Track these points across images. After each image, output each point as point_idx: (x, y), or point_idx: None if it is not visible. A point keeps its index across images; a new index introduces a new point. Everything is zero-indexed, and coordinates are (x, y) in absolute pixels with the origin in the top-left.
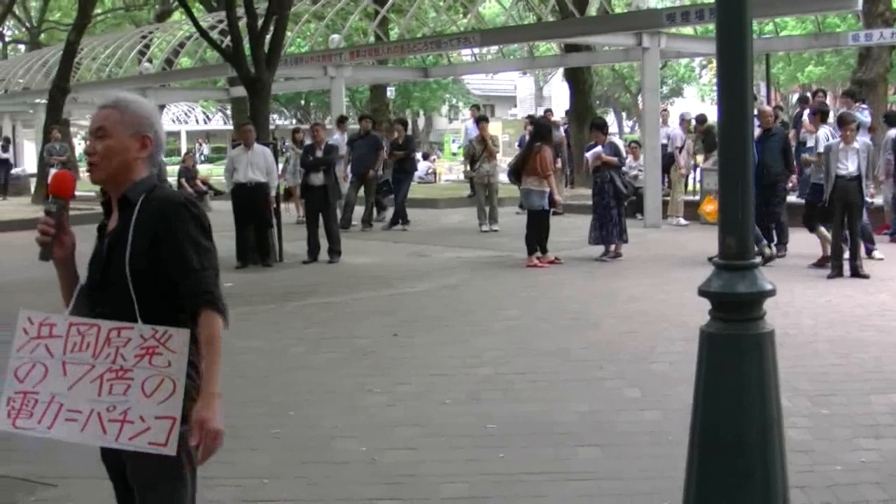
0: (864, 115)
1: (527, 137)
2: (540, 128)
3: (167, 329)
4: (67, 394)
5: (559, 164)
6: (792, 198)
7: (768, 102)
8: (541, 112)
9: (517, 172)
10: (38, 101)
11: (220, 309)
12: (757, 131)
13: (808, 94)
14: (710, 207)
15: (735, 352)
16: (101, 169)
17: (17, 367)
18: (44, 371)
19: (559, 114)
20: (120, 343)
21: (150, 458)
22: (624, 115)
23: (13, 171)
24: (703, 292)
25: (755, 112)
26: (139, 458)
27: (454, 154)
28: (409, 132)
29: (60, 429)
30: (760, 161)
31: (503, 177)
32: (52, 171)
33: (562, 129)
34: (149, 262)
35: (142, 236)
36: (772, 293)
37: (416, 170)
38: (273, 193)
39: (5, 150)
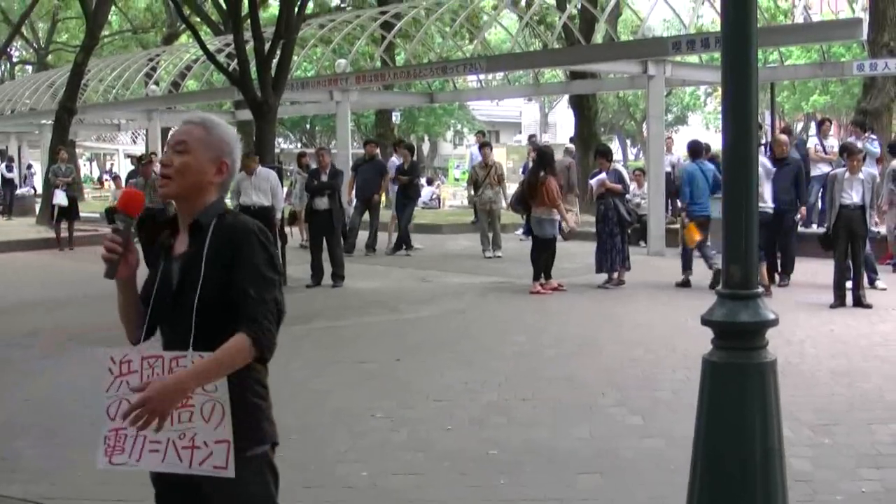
0: (873, 146)
1: (530, 164)
2: (542, 156)
3: (208, 354)
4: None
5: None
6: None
7: (773, 131)
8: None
9: (523, 201)
10: (44, 121)
11: (259, 340)
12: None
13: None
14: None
15: (737, 380)
16: (174, 183)
17: (108, 406)
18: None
19: (563, 139)
20: (180, 371)
21: (241, 494)
22: (628, 142)
23: (19, 191)
24: (706, 321)
25: (766, 141)
26: (230, 492)
27: (457, 179)
28: (415, 158)
29: (147, 460)
30: (773, 191)
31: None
32: (57, 191)
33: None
34: (217, 289)
35: (213, 263)
36: (774, 323)
37: (419, 195)
38: (278, 216)
39: (9, 169)
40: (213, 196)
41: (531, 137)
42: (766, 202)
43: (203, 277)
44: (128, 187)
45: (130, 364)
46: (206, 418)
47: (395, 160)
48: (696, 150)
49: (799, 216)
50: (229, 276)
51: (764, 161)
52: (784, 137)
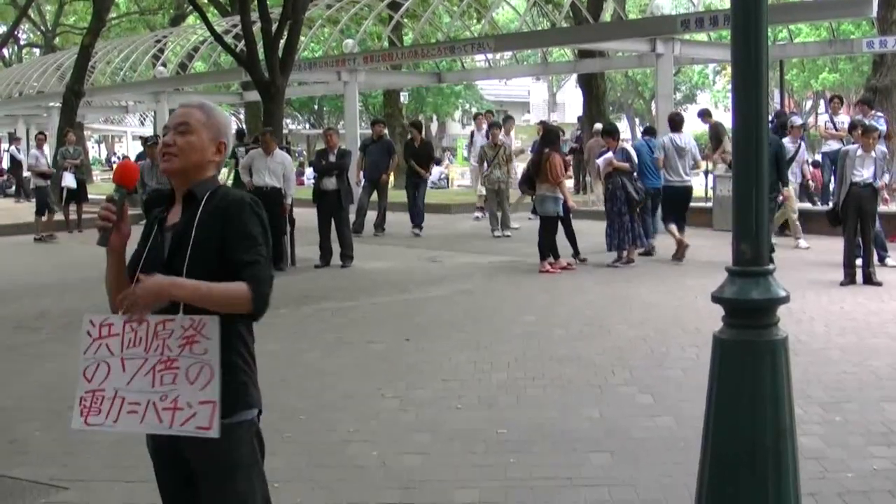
0: (880, 124)
1: (475, 134)
2: (548, 133)
3: (201, 317)
4: (127, 388)
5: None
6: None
7: (782, 108)
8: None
9: (530, 181)
10: (52, 104)
11: (257, 298)
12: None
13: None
14: None
15: (749, 358)
16: (178, 160)
17: (85, 368)
18: (107, 369)
19: (571, 118)
20: (166, 335)
21: (222, 455)
22: (637, 121)
23: (26, 174)
24: (716, 298)
25: (773, 118)
26: (210, 455)
27: (465, 159)
28: (423, 135)
29: (124, 421)
30: None
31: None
32: (65, 174)
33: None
34: (206, 258)
35: (205, 233)
36: (786, 300)
37: (430, 174)
38: (289, 201)
39: (18, 150)
40: (210, 173)
41: (541, 122)
42: (682, 177)
43: (192, 245)
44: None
45: (111, 327)
46: (190, 380)
47: (480, 137)
48: (674, 122)
49: (781, 198)
50: (220, 245)
51: (673, 137)
52: None
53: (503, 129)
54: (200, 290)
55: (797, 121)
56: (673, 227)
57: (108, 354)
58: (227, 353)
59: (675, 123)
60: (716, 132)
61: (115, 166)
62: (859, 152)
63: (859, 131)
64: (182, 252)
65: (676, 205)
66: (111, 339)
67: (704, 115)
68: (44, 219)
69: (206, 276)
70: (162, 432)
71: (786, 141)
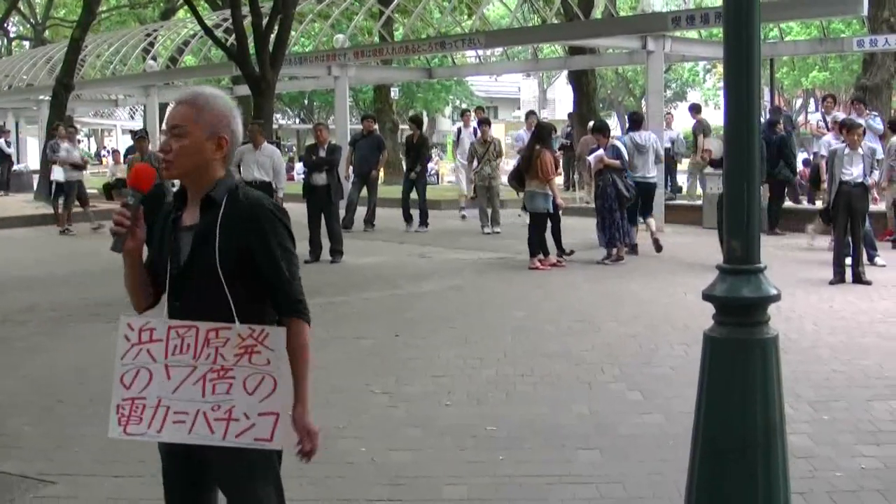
0: (876, 123)
1: (525, 135)
2: (540, 130)
3: (264, 328)
4: (172, 396)
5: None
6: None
7: (777, 105)
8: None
9: (519, 177)
10: (41, 97)
11: (308, 319)
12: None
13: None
14: None
15: (739, 356)
16: (176, 167)
17: (123, 375)
18: (148, 376)
19: (562, 115)
20: (219, 343)
21: (242, 459)
22: (627, 117)
23: (16, 166)
24: (707, 296)
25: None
26: (231, 459)
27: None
28: (422, 131)
29: (170, 431)
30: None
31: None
32: (55, 168)
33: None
34: (240, 263)
35: (230, 237)
36: (777, 298)
37: (426, 170)
38: (280, 195)
39: (8, 144)
40: (220, 171)
41: (530, 113)
42: (644, 174)
43: (220, 250)
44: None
45: (153, 333)
46: (249, 391)
47: (522, 133)
48: (633, 120)
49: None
50: (244, 248)
51: (633, 135)
52: None
53: (463, 121)
54: (305, 380)
55: (839, 116)
56: (651, 221)
57: (149, 360)
58: None
59: (634, 122)
60: (699, 129)
61: (116, 169)
62: (846, 150)
63: (845, 130)
64: (208, 256)
65: (642, 200)
66: (153, 345)
67: (694, 109)
68: (86, 210)
69: (237, 281)
70: (213, 443)
71: (830, 138)
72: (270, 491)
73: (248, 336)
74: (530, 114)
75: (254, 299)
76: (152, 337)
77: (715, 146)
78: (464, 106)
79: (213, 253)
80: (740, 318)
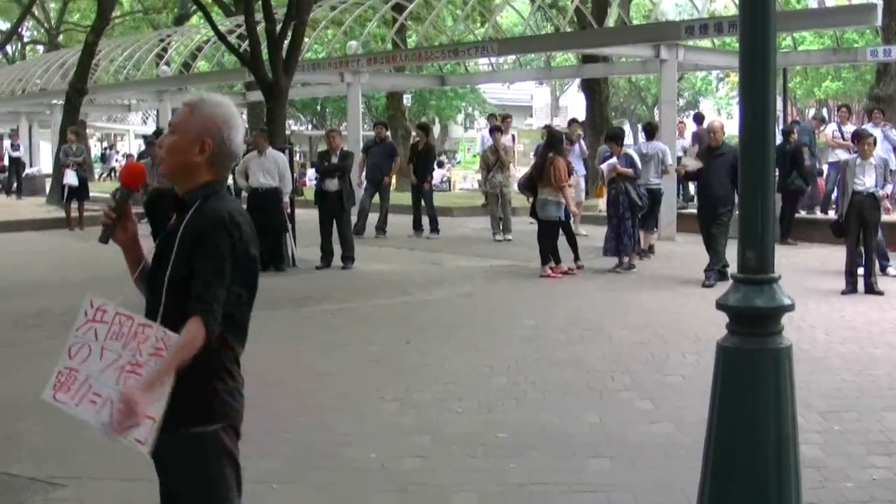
0: (894, 134)
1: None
2: (551, 138)
3: (170, 335)
4: (98, 377)
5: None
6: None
7: (785, 117)
8: (535, 121)
9: (531, 184)
10: (55, 101)
11: (209, 327)
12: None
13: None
14: None
15: (752, 366)
16: (164, 163)
17: (71, 346)
18: (88, 352)
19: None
20: (142, 339)
21: (188, 466)
22: (640, 126)
23: (29, 170)
24: (720, 305)
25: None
26: (178, 465)
27: (475, 155)
28: (429, 139)
29: (84, 408)
30: (704, 183)
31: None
32: (67, 171)
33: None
34: (183, 269)
35: (184, 243)
36: (790, 308)
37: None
38: (286, 199)
39: (16, 148)
40: (206, 176)
41: (545, 126)
42: (648, 181)
43: (174, 255)
44: (133, 161)
45: (105, 314)
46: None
47: (506, 140)
48: (646, 130)
49: (736, 211)
50: (191, 258)
51: (641, 145)
52: (719, 124)
53: (503, 128)
54: (167, 365)
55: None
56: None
57: (93, 338)
58: (197, 368)
59: (647, 132)
60: (696, 140)
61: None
62: (858, 160)
63: (856, 140)
64: (165, 261)
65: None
66: (100, 325)
67: (697, 118)
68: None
69: (179, 288)
70: (106, 432)
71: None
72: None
73: (160, 338)
74: (573, 121)
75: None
76: (103, 318)
77: (691, 162)
78: (484, 111)
79: (167, 264)
80: (754, 327)
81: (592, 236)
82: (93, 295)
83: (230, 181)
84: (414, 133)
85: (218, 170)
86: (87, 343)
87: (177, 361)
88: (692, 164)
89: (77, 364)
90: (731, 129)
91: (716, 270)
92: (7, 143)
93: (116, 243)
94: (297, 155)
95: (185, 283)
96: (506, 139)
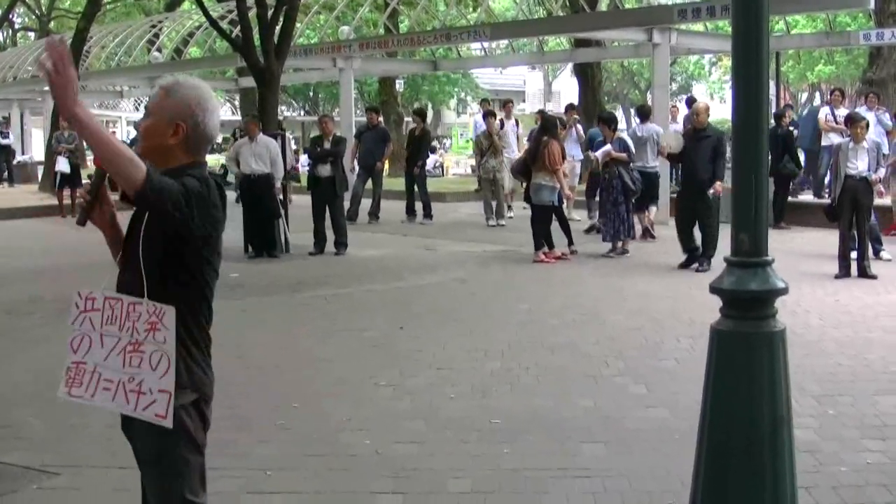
0: (887, 118)
1: (504, 123)
2: (545, 122)
3: (161, 306)
4: (104, 364)
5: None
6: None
7: (778, 101)
8: (529, 106)
9: (525, 168)
10: (46, 88)
11: (152, 181)
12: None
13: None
14: None
15: (746, 349)
16: (142, 146)
17: (72, 339)
18: (89, 342)
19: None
20: (135, 317)
21: (151, 435)
22: (632, 111)
23: (20, 158)
24: (714, 289)
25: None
26: (141, 435)
27: (469, 140)
28: (426, 124)
29: (99, 397)
30: (688, 166)
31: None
32: (59, 158)
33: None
34: (155, 244)
35: (155, 223)
36: (784, 291)
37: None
38: (278, 185)
39: (5, 136)
40: (183, 158)
41: (539, 111)
42: (644, 164)
43: (145, 231)
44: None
45: (94, 302)
46: (153, 366)
47: (509, 126)
48: (640, 112)
49: (712, 191)
50: (167, 236)
51: (636, 128)
52: (703, 106)
53: (504, 112)
54: (93, 125)
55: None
56: (652, 209)
57: (90, 328)
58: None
59: (641, 115)
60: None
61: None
62: (851, 144)
63: (849, 123)
64: (136, 236)
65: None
66: (93, 314)
67: (689, 103)
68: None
69: (154, 260)
70: (129, 413)
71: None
72: (180, 466)
73: (152, 313)
74: (570, 107)
75: (165, 279)
76: (94, 306)
77: (673, 142)
78: (476, 97)
79: (139, 236)
80: (748, 311)
81: (585, 221)
82: (81, 289)
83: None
84: (409, 119)
85: (193, 153)
86: (85, 334)
87: (105, 144)
88: (673, 142)
89: (82, 356)
90: (724, 113)
91: (710, 257)
92: None
93: (94, 225)
94: (291, 141)
95: (156, 255)
96: (509, 124)
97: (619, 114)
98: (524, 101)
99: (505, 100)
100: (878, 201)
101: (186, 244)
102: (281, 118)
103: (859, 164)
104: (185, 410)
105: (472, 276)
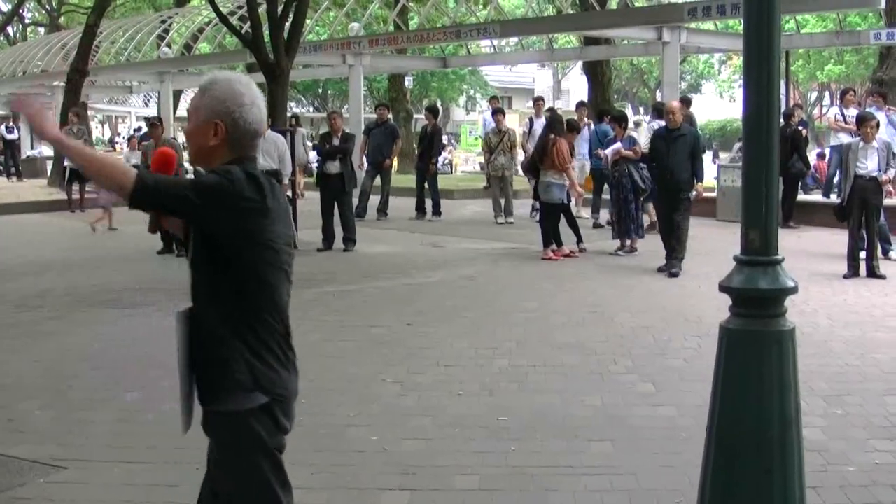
0: (894, 119)
1: (534, 121)
2: (552, 120)
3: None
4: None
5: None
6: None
7: (787, 101)
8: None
9: (534, 166)
10: (56, 83)
11: (143, 180)
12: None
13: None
14: None
15: (755, 348)
16: (189, 150)
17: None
18: None
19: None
20: None
21: (221, 440)
22: (641, 109)
23: (30, 152)
24: (724, 287)
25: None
26: (213, 437)
27: (477, 138)
28: (438, 121)
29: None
30: (665, 166)
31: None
32: None
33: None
34: (202, 248)
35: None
36: (794, 290)
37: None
38: (286, 181)
39: (10, 130)
40: (227, 157)
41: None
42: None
43: (194, 240)
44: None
45: None
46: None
47: (539, 124)
48: (656, 110)
49: (695, 193)
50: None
51: (651, 125)
52: (676, 105)
53: (535, 110)
54: (82, 150)
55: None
56: (650, 206)
57: None
58: (222, 334)
59: (656, 112)
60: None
61: (131, 155)
62: (861, 144)
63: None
64: (188, 242)
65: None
66: None
67: (683, 102)
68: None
69: (203, 261)
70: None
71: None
72: (241, 486)
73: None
74: (581, 104)
75: (218, 278)
76: None
77: (643, 139)
78: (485, 94)
79: (192, 244)
80: (757, 309)
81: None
82: (87, 281)
83: None
84: (418, 116)
85: (236, 149)
86: None
87: (88, 161)
88: (643, 142)
89: None
90: (734, 112)
91: (680, 259)
92: (2, 125)
93: (169, 229)
94: (305, 136)
95: (203, 263)
96: (539, 122)
97: (629, 112)
98: (533, 98)
99: (535, 98)
100: (887, 201)
101: (225, 239)
102: (290, 115)
103: (869, 164)
104: (254, 415)
105: (481, 273)
